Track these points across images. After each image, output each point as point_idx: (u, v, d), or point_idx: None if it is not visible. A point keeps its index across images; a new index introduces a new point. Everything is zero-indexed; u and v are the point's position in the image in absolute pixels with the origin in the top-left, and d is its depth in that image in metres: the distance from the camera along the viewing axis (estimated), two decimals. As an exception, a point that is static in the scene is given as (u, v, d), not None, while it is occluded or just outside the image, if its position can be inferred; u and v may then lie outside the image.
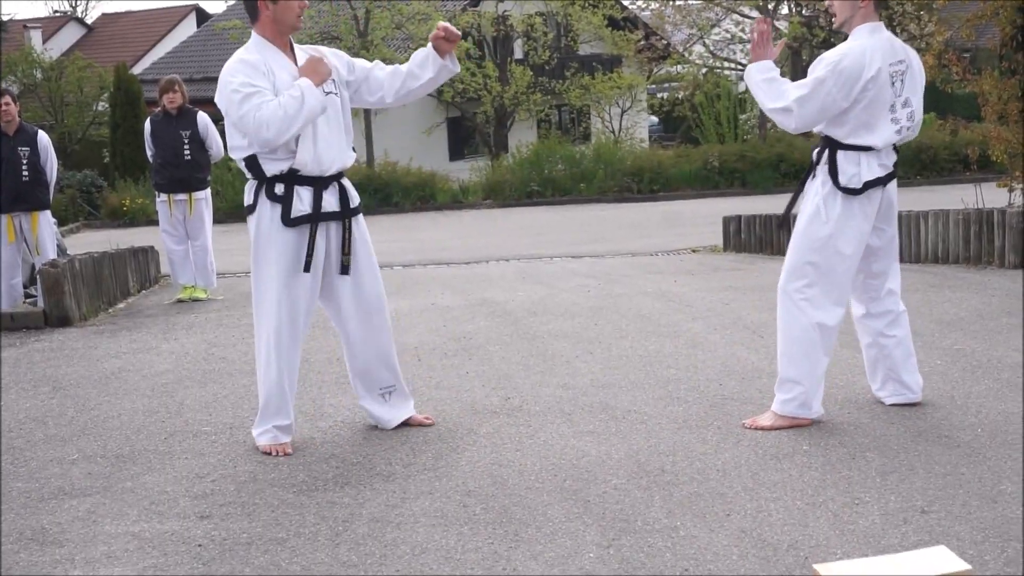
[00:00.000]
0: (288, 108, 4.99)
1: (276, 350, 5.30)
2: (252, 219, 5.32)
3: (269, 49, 5.25)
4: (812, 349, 5.42)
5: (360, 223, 5.55)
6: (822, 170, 5.46)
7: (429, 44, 5.47)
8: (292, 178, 5.23)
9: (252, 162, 5.23)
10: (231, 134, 5.26)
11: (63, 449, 5.56)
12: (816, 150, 5.52)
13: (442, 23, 5.47)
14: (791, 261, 5.52)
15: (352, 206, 5.46)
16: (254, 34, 5.30)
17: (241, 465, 5.17)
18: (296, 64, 5.26)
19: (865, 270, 5.56)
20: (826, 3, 5.60)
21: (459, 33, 5.50)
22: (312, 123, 5.16)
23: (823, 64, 5.33)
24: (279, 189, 5.23)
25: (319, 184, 5.30)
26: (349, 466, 5.09)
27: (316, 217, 5.26)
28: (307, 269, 5.26)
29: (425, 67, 5.46)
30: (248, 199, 5.34)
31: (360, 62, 5.56)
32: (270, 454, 5.28)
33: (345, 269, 5.45)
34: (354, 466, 5.08)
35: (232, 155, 5.35)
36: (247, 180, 5.36)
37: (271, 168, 5.21)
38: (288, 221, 5.22)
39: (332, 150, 5.36)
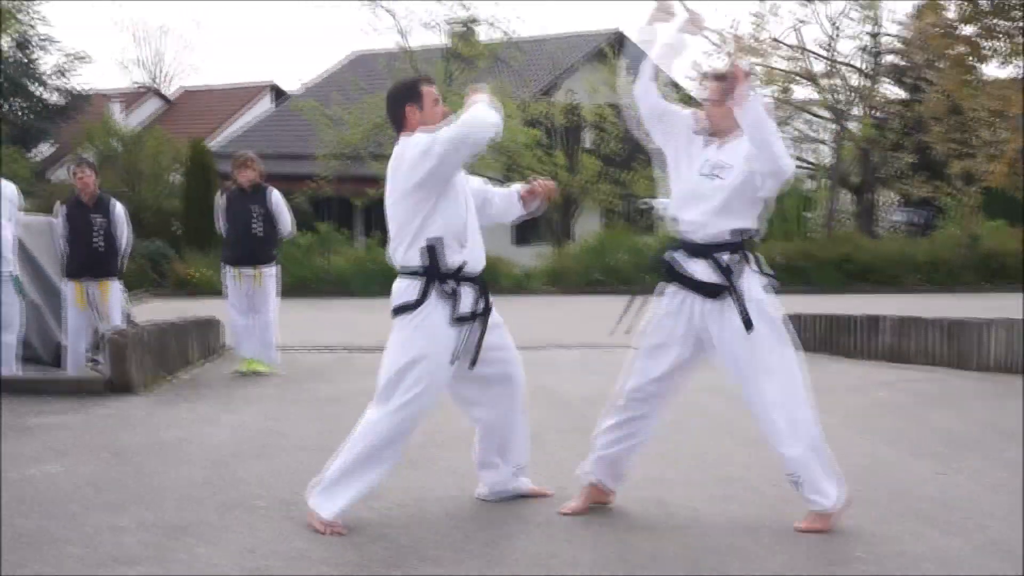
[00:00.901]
0: (468, 114, 5.26)
1: (395, 438, 5.49)
2: (415, 315, 5.37)
3: None
4: None
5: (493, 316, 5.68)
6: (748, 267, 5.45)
7: (518, 188, 5.91)
8: (458, 276, 5.38)
9: (432, 253, 5.32)
10: (413, 219, 5.35)
11: (118, 516, 5.60)
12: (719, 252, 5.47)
13: (544, 182, 5.94)
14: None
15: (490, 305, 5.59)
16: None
17: (293, 542, 5.17)
18: None
19: None
20: (704, 113, 5.56)
21: (552, 189, 5.94)
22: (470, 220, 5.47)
23: None
24: (449, 287, 5.35)
25: (477, 282, 5.48)
26: (399, 548, 5.07)
27: (475, 316, 5.43)
28: (452, 362, 5.44)
29: (508, 209, 5.99)
30: (411, 296, 5.38)
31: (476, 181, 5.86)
32: (324, 533, 5.26)
33: (473, 364, 5.55)
34: (404, 548, 5.07)
35: (405, 250, 5.44)
36: (404, 276, 5.45)
37: (451, 259, 5.35)
38: (455, 320, 5.35)
39: (480, 249, 5.57)
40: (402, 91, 5.57)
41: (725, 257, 5.39)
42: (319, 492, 5.39)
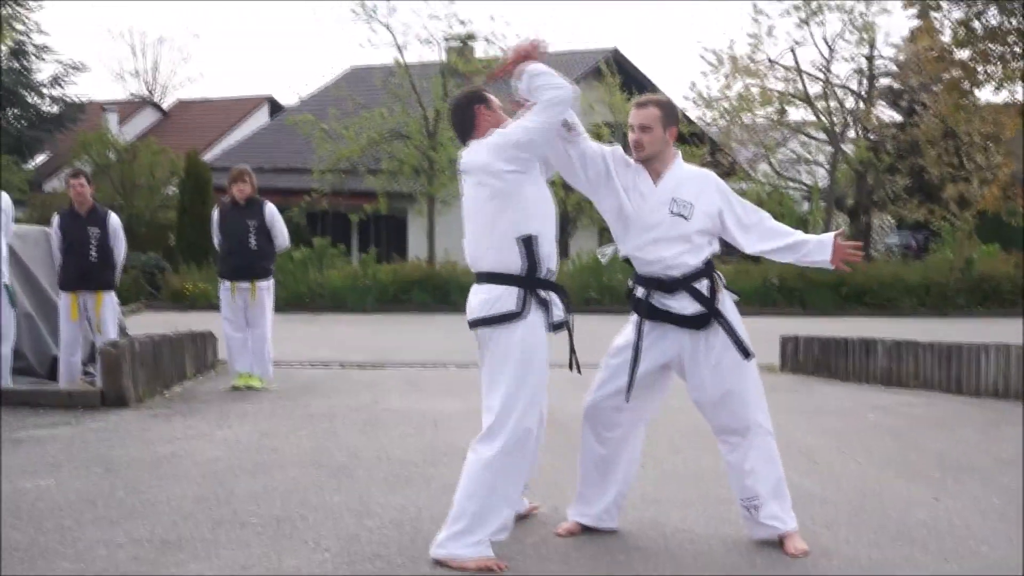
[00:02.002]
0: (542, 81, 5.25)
1: (520, 453, 5.17)
2: (518, 326, 5.10)
3: None
4: None
5: None
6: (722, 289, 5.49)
7: None
8: (546, 283, 5.23)
9: (529, 249, 5.13)
10: (503, 216, 5.15)
11: (111, 531, 5.58)
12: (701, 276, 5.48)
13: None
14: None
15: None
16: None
17: (286, 559, 5.16)
18: None
19: None
20: (635, 136, 5.48)
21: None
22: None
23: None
24: (543, 294, 5.21)
25: (559, 288, 5.35)
26: (394, 567, 5.06)
27: (566, 323, 5.32)
28: (572, 367, 5.45)
29: None
30: (512, 305, 5.11)
31: None
32: (491, 569, 4.97)
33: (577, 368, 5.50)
34: (399, 567, 5.06)
35: (497, 251, 5.18)
36: (500, 285, 5.15)
37: (546, 257, 5.22)
38: (552, 327, 5.23)
39: (556, 249, 5.44)
40: (468, 94, 5.55)
41: (704, 285, 5.37)
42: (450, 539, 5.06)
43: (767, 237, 5.55)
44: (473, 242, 5.29)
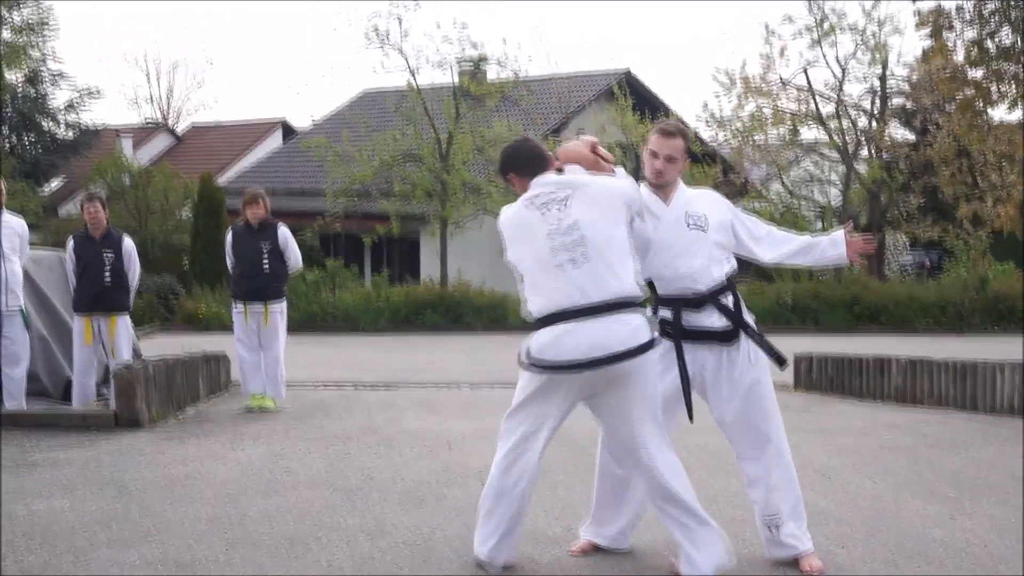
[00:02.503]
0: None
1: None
2: (655, 351, 5.08)
3: None
4: None
5: None
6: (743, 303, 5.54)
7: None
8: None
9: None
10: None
11: (125, 553, 5.58)
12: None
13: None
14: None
15: None
16: None
17: (299, 580, 5.15)
18: None
19: None
20: (660, 166, 5.46)
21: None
22: None
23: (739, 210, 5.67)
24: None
25: None
26: (407, 588, 5.05)
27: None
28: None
29: None
30: (653, 331, 5.06)
31: None
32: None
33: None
34: (412, 588, 5.05)
35: (633, 276, 5.05)
36: (639, 312, 5.03)
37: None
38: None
39: None
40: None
41: (730, 300, 5.39)
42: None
43: (779, 244, 5.64)
44: (610, 265, 5.06)
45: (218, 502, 6.74)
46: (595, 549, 5.61)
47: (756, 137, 30.98)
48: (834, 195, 32.20)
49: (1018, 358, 11.30)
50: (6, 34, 34.50)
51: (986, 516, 6.49)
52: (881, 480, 7.53)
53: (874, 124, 31.12)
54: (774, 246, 5.63)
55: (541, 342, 5.02)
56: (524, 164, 5.25)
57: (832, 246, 5.60)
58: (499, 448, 5.29)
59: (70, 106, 38.43)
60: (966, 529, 6.18)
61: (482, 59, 29.51)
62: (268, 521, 6.26)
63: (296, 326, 20.53)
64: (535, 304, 5.12)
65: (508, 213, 5.26)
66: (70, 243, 10.72)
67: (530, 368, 5.07)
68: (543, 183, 5.20)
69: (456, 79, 29.47)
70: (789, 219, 30.86)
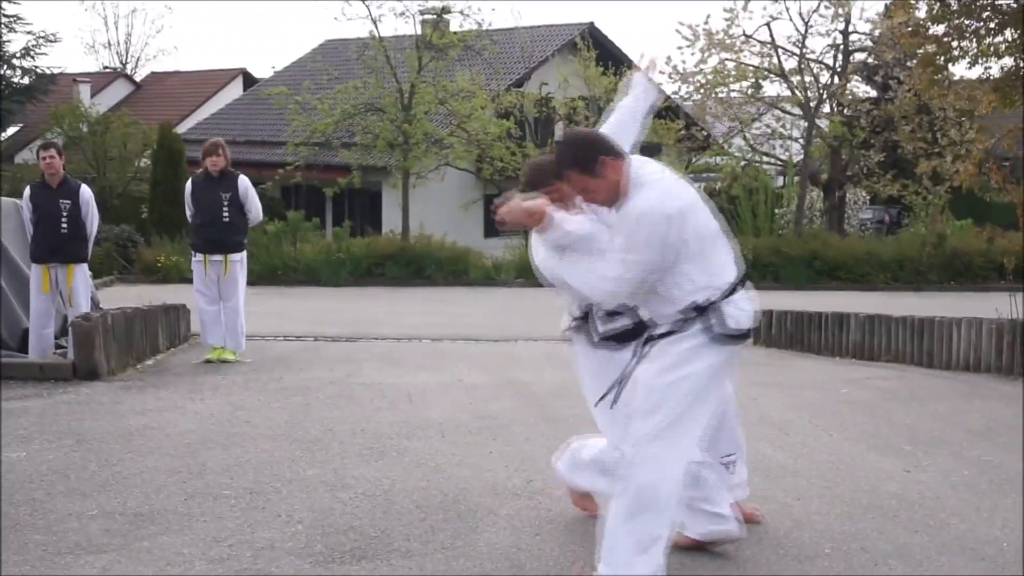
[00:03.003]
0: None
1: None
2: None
3: None
4: None
5: None
6: None
7: None
8: None
9: None
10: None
11: (83, 503, 5.56)
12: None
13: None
14: None
15: None
16: None
17: (259, 531, 5.15)
18: None
19: None
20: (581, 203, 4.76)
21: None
22: None
23: None
24: None
25: None
26: (367, 540, 5.06)
27: None
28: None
29: None
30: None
31: None
32: None
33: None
34: (372, 540, 5.06)
35: None
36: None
37: None
38: None
39: None
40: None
41: None
42: None
43: None
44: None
45: (177, 453, 6.72)
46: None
47: (719, 92, 30.97)
48: (795, 150, 32.31)
49: (974, 314, 11.42)
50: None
51: (940, 470, 6.57)
52: (838, 434, 7.61)
53: (836, 79, 31.19)
54: None
55: (739, 310, 4.50)
56: (611, 144, 4.51)
57: None
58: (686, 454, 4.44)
59: (26, 51, 37.87)
60: (920, 483, 6.25)
61: (445, 10, 29.30)
62: (227, 472, 6.25)
63: (257, 279, 20.45)
64: (726, 271, 4.57)
65: (683, 184, 4.62)
66: (27, 192, 10.58)
67: (723, 340, 4.45)
68: (651, 160, 4.67)
69: (419, 29, 29.28)
70: (751, 173, 30.96)
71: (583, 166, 4.40)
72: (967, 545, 5.10)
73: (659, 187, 4.41)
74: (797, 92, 30.28)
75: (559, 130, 32.70)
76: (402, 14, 29.11)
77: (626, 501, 4.30)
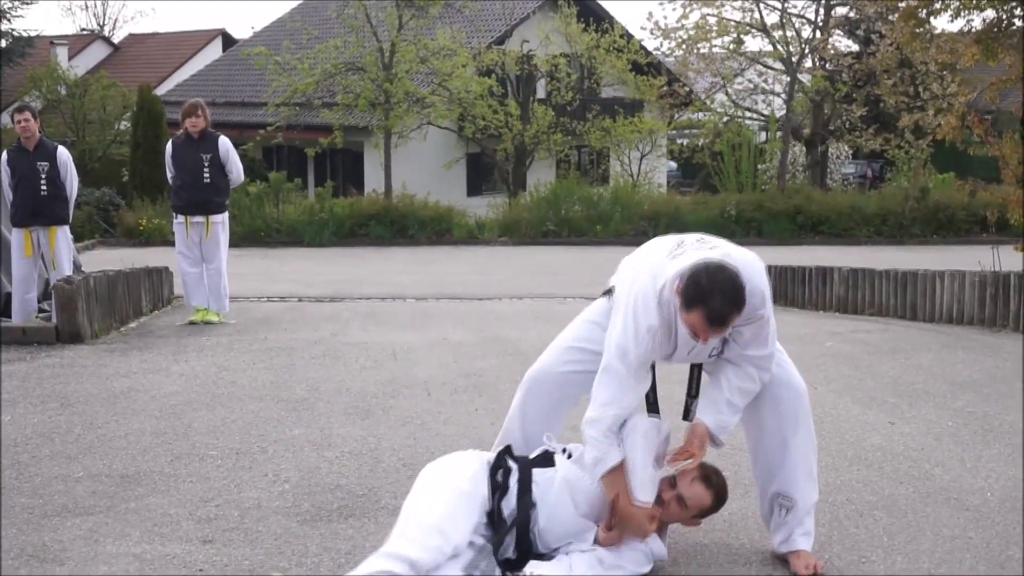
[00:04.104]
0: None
1: None
2: None
3: None
4: None
5: None
6: None
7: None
8: None
9: None
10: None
11: (68, 466, 5.55)
12: None
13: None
14: None
15: None
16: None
17: (246, 491, 5.15)
18: None
19: None
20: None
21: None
22: None
23: None
24: None
25: None
26: (354, 498, 5.07)
27: None
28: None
29: None
30: None
31: None
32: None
33: None
34: (359, 498, 5.06)
35: None
36: None
37: None
38: None
39: None
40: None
41: None
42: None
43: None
44: None
45: (162, 415, 6.71)
46: None
47: (700, 47, 30.88)
48: (778, 105, 32.29)
49: (957, 268, 11.45)
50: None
51: (924, 421, 6.60)
52: (822, 387, 7.63)
53: (818, 34, 31.12)
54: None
55: None
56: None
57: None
58: None
59: (1, 13, 37.50)
60: (904, 434, 6.28)
61: (425, -34, 29.12)
62: (213, 433, 6.24)
63: (239, 240, 20.38)
64: None
65: None
66: (3, 156, 10.50)
67: None
68: None
69: (399, -13, 29.10)
70: (734, 129, 30.92)
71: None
72: (951, 495, 5.13)
73: None
74: (779, 47, 30.22)
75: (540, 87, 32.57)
76: (382, -29, 28.86)
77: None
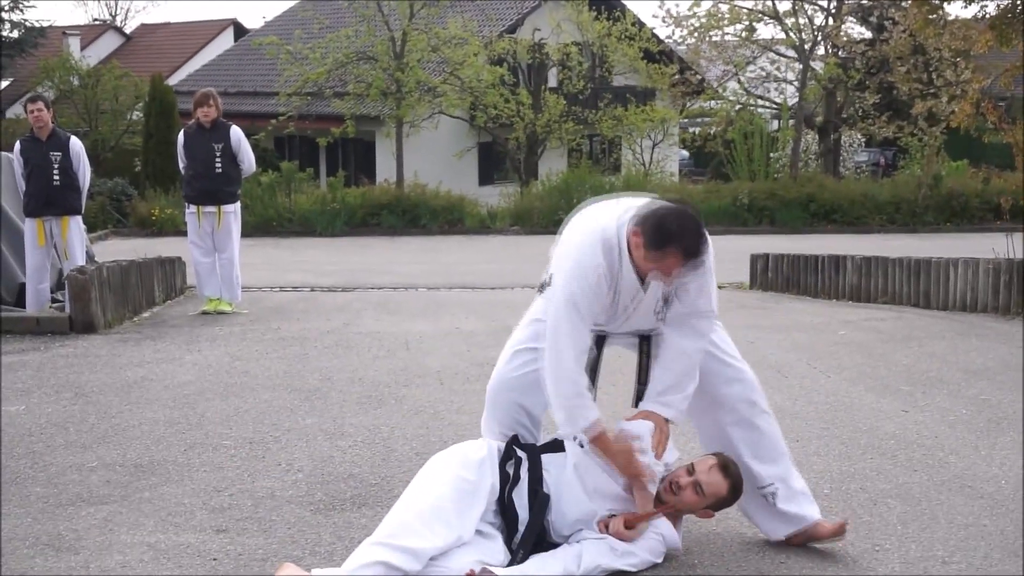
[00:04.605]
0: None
1: None
2: None
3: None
4: None
5: None
6: None
7: None
8: None
9: None
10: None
11: (83, 456, 5.57)
12: None
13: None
14: None
15: None
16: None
17: (259, 480, 5.16)
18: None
19: None
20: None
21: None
22: None
23: None
24: None
25: None
26: (367, 487, 5.07)
27: None
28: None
29: None
30: None
31: None
32: None
33: None
34: (372, 487, 5.07)
35: None
36: None
37: None
38: None
39: None
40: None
41: None
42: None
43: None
44: None
45: (176, 404, 6.72)
46: None
47: (713, 35, 30.78)
48: (790, 93, 32.17)
49: (970, 255, 11.41)
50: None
51: (938, 409, 6.59)
52: (836, 375, 7.62)
53: (830, 21, 30.98)
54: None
55: None
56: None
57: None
58: None
59: (14, 4, 37.57)
60: (918, 422, 6.27)
61: (436, -44, 29.07)
62: (226, 423, 6.25)
63: (252, 230, 20.41)
64: None
65: None
66: (16, 146, 10.54)
67: None
68: None
69: (410, -24, 29.05)
70: (746, 117, 30.83)
71: None
72: (965, 483, 5.12)
73: None
74: (791, 34, 30.09)
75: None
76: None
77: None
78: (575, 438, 4.26)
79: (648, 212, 4.04)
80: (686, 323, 4.28)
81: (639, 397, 4.38)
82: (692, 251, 3.99)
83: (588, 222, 4.27)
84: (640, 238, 4.01)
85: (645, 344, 4.40)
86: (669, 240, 3.96)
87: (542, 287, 4.47)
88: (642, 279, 4.13)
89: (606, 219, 4.19)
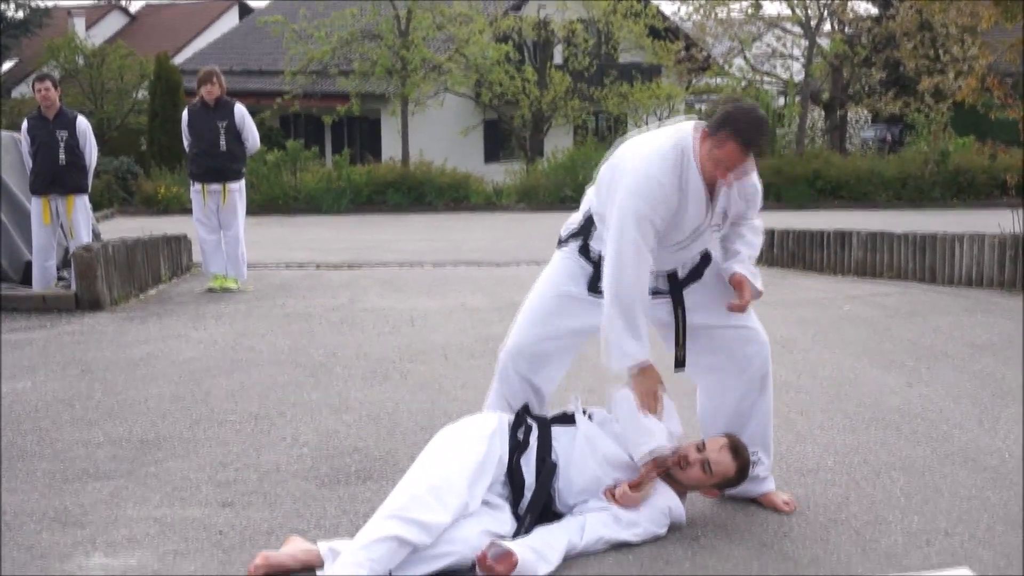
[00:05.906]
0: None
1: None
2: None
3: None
4: None
5: None
6: None
7: None
8: None
9: None
10: None
11: (89, 432, 5.59)
12: None
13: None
14: None
15: None
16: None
17: (265, 455, 5.18)
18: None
19: None
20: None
21: None
22: None
23: None
24: None
25: None
26: (372, 460, 5.09)
27: None
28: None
29: None
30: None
31: None
32: None
33: None
34: (377, 461, 5.09)
35: None
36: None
37: None
38: None
39: None
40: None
41: None
42: None
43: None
44: None
45: (182, 380, 6.74)
46: None
47: (718, 11, 30.66)
48: (796, 70, 32.06)
49: (976, 230, 11.40)
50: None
51: (942, 383, 6.59)
52: (840, 350, 7.63)
53: (837, -3, 30.85)
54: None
55: None
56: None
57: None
58: None
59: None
60: (923, 396, 6.28)
61: (441, -68, 28.96)
62: (232, 398, 6.28)
63: (257, 208, 20.42)
64: None
65: None
66: (24, 125, 10.54)
67: None
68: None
69: (415, -47, 28.94)
70: (752, 94, 30.74)
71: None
72: (969, 456, 5.13)
73: None
74: (797, 10, 29.97)
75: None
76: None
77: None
78: (585, 411, 4.29)
79: (716, 113, 4.19)
80: (745, 223, 4.52)
81: (679, 360, 4.49)
82: (749, 137, 4.09)
83: (645, 142, 4.38)
84: (704, 130, 4.17)
85: (680, 310, 4.47)
86: (727, 122, 4.08)
87: (566, 240, 4.67)
88: (709, 188, 4.22)
89: (666, 132, 4.34)
